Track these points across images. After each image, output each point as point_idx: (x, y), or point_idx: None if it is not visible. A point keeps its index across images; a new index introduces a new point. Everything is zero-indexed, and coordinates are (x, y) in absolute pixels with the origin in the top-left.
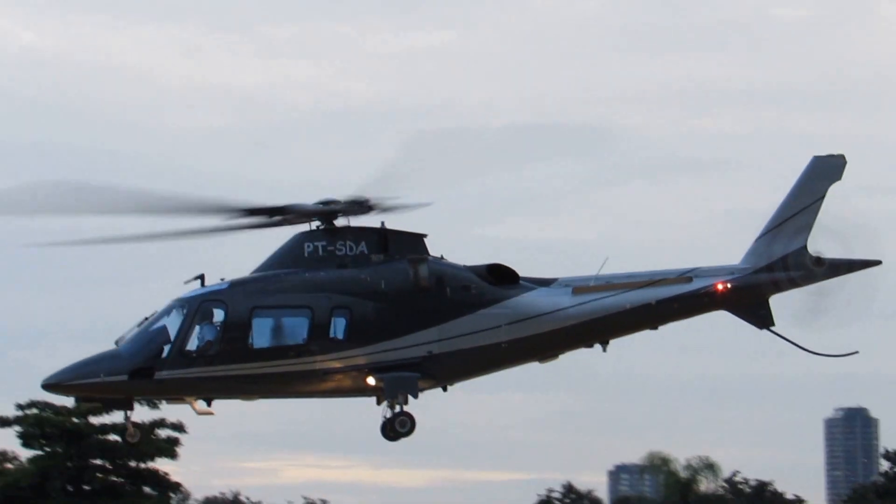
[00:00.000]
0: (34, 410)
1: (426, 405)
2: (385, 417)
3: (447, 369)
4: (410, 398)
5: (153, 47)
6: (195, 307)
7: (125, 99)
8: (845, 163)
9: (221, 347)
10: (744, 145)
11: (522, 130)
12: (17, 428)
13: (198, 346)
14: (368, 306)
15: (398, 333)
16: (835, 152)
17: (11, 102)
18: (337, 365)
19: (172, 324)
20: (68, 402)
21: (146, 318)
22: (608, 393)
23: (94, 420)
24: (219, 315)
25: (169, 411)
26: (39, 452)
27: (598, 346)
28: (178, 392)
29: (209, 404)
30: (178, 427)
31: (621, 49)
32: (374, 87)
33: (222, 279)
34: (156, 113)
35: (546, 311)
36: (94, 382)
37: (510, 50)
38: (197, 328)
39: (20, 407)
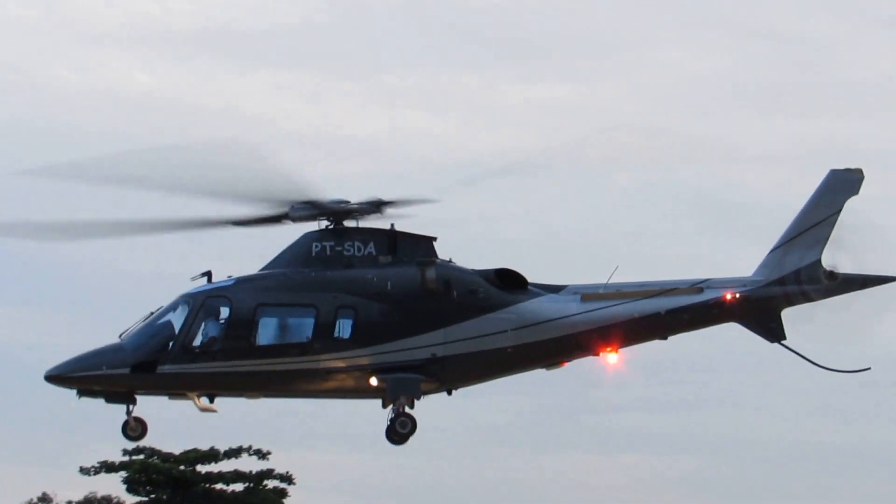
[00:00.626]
0: (140, 457)
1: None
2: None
3: (451, 372)
4: (416, 401)
5: (272, 93)
6: (200, 303)
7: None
8: (863, 177)
9: (225, 343)
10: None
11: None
12: (124, 473)
13: (201, 342)
14: (374, 307)
15: (403, 335)
16: (852, 166)
17: (128, 146)
18: (340, 364)
19: (177, 319)
20: (174, 448)
21: (151, 313)
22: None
23: (201, 468)
24: (223, 311)
25: (277, 462)
26: (145, 499)
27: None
28: (180, 387)
29: (212, 401)
30: (287, 478)
31: (747, 106)
32: (497, 139)
33: (229, 276)
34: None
35: (553, 318)
36: (97, 375)
37: (634, 103)
38: (201, 324)
39: (126, 453)
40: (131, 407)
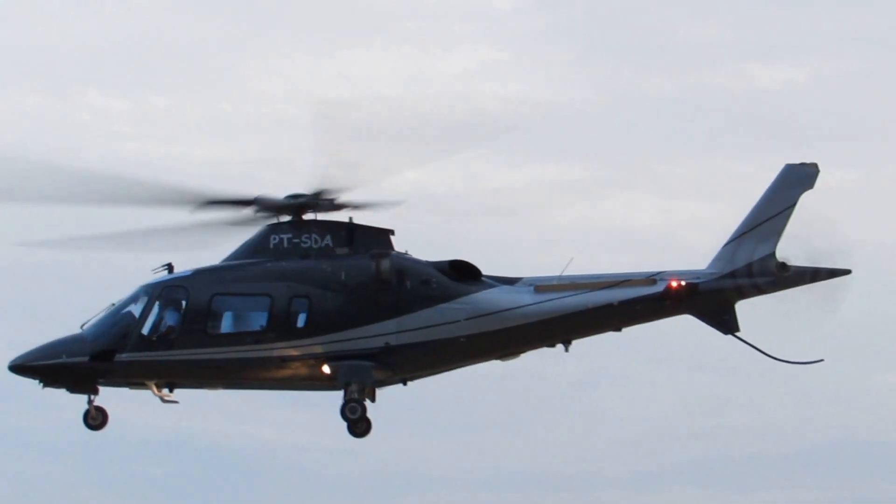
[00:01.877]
0: None
1: None
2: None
3: (405, 361)
4: (385, 395)
5: (540, 184)
6: (157, 292)
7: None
8: (818, 171)
9: (181, 332)
10: None
11: None
12: None
13: (158, 331)
14: (327, 296)
15: (356, 324)
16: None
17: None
18: (294, 353)
19: (136, 309)
20: None
21: (113, 304)
22: None
23: None
24: (180, 301)
25: None
26: None
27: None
28: (137, 375)
29: (171, 391)
30: None
31: None
32: None
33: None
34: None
35: (506, 308)
36: (57, 363)
37: None
38: (158, 313)
39: None
40: (93, 397)
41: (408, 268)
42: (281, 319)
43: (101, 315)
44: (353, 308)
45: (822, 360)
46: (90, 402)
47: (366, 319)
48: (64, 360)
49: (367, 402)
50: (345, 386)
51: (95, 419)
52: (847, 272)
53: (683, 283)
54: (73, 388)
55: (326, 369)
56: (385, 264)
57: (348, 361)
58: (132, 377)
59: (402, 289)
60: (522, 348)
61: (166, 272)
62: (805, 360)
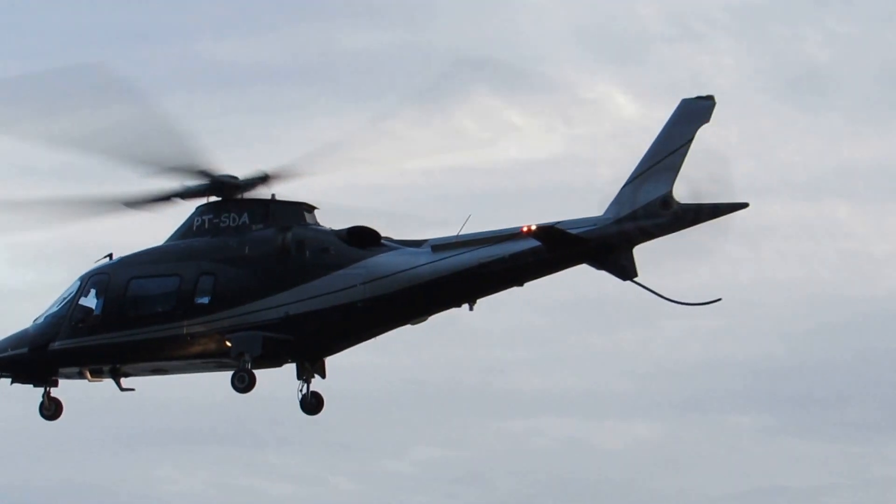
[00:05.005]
0: None
1: None
2: (301, 393)
3: (305, 331)
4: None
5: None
6: (85, 282)
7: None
8: (714, 104)
9: (103, 317)
10: None
11: None
12: None
13: (84, 318)
14: (231, 272)
15: (258, 296)
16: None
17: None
18: (202, 329)
19: (69, 299)
20: None
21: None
22: None
23: None
24: (102, 288)
25: None
26: None
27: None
28: (70, 363)
29: (118, 381)
30: None
31: None
32: None
33: None
34: None
35: (401, 269)
36: (4, 357)
37: None
38: (85, 301)
39: None
40: (48, 388)
41: (308, 237)
42: (189, 297)
43: (47, 308)
44: (255, 281)
45: (719, 300)
46: (46, 393)
47: (268, 291)
48: (9, 353)
49: (317, 378)
50: (237, 356)
51: (48, 409)
52: (745, 205)
53: (534, 227)
54: (22, 380)
55: (229, 343)
56: (286, 235)
57: (240, 333)
58: (66, 364)
59: (302, 259)
60: (425, 309)
61: (108, 261)
62: (703, 301)
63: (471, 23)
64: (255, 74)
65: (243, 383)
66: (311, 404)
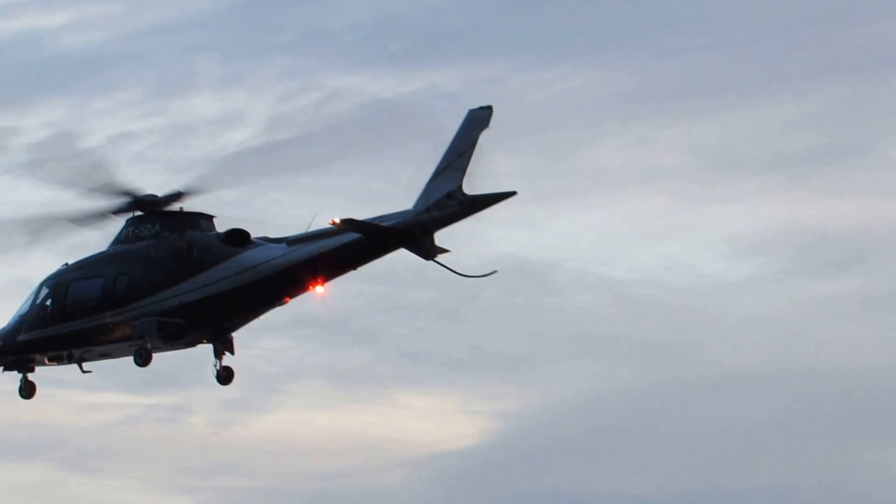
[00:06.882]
0: None
1: None
2: (215, 368)
3: (195, 315)
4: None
5: None
6: (42, 285)
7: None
8: (492, 112)
9: (51, 313)
10: None
11: None
12: None
13: (39, 314)
14: (140, 271)
15: (160, 290)
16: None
17: None
18: (119, 318)
19: (31, 300)
20: None
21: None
22: None
23: None
24: (52, 289)
25: None
26: None
27: None
28: (32, 350)
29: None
30: None
31: None
32: None
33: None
34: None
35: (263, 261)
36: None
37: None
38: (41, 300)
39: None
40: (25, 374)
41: (196, 240)
42: (111, 294)
43: (19, 307)
44: (157, 277)
45: (495, 272)
46: (24, 378)
47: (166, 285)
48: None
49: (227, 355)
50: (140, 338)
51: (25, 390)
52: (514, 193)
53: (337, 220)
54: (6, 368)
55: (132, 328)
56: (179, 241)
57: (141, 319)
58: (30, 352)
59: (191, 258)
60: (283, 294)
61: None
62: (482, 274)
63: None
64: None
65: (142, 359)
66: (224, 377)
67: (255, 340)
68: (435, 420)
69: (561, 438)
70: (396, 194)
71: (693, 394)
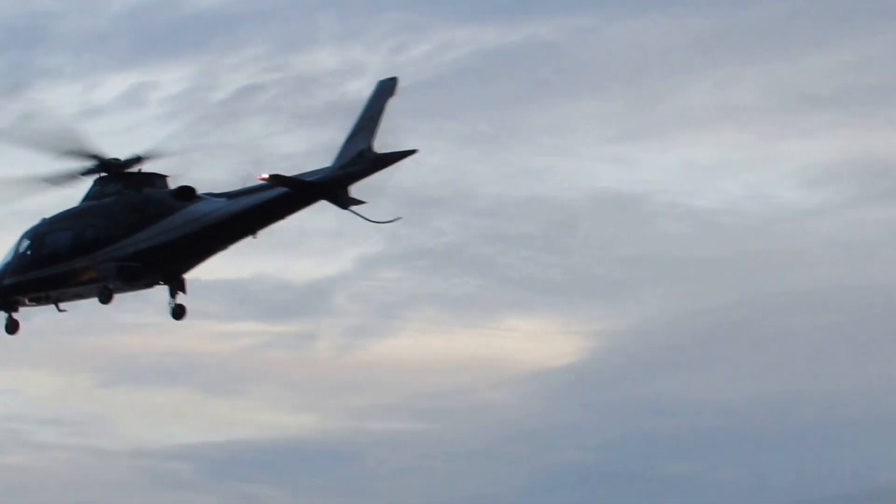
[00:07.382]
0: None
1: None
2: (170, 305)
3: (149, 260)
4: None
5: None
6: (22, 237)
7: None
8: (396, 83)
9: (30, 260)
10: None
11: None
12: None
13: (20, 261)
14: (103, 223)
15: (121, 239)
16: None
17: None
18: (86, 264)
19: (13, 249)
20: None
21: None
22: None
23: None
24: (31, 240)
25: None
26: None
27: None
28: (15, 293)
29: (57, 305)
30: None
31: None
32: None
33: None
34: None
35: (206, 213)
36: None
37: None
38: (21, 250)
39: None
40: (11, 313)
41: (151, 196)
42: (79, 242)
43: (4, 256)
44: (119, 229)
45: (400, 218)
46: (9, 317)
47: (126, 235)
48: None
49: (180, 294)
50: (103, 280)
51: (9, 327)
52: (414, 151)
53: (265, 175)
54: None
55: (96, 272)
56: (138, 196)
57: (104, 263)
58: (13, 294)
59: (146, 212)
60: (225, 241)
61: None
62: (388, 220)
63: None
64: None
65: (104, 297)
66: (177, 313)
67: (374, 273)
68: (538, 341)
69: (653, 354)
70: None
71: (773, 311)
